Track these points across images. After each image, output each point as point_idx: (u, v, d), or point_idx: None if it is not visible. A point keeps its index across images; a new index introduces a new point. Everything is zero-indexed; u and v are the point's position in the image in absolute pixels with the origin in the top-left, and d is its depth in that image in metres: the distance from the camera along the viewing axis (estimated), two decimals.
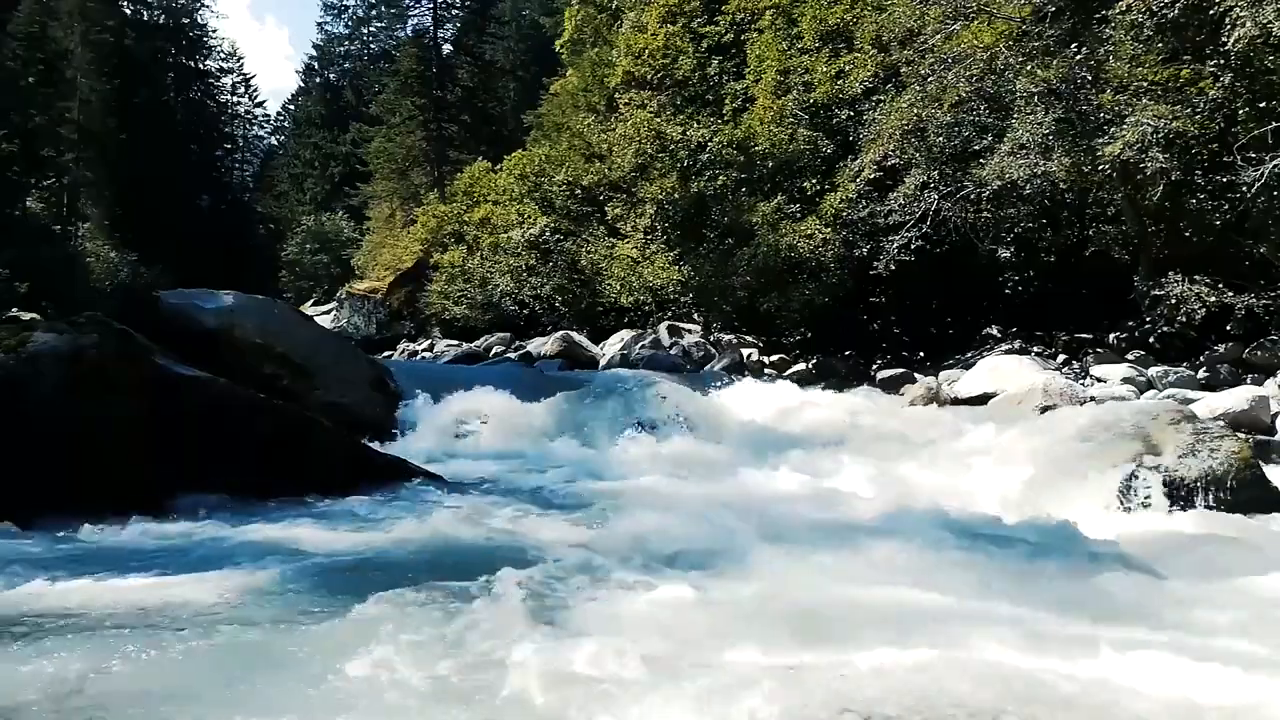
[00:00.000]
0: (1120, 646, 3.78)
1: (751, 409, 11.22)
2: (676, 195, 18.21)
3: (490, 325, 24.95)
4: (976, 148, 14.63)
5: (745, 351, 17.55)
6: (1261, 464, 6.99)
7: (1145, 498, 6.49)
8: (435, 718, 3.13)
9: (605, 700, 3.20)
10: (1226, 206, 12.40)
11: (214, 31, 78.58)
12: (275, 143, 60.11)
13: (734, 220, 17.76)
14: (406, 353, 26.46)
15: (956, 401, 12.02)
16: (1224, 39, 11.20)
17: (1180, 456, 6.63)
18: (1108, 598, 4.60)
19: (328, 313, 34.46)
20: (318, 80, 56.71)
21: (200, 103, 52.36)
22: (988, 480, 7.29)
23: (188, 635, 3.85)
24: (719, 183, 17.97)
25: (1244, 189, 11.56)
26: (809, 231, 16.86)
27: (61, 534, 5.65)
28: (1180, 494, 6.46)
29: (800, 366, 16.24)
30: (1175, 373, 11.90)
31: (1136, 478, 6.58)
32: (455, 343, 24.93)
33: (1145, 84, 12.24)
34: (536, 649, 3.63)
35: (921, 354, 15.87)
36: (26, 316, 12.62)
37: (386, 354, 24.83)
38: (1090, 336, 14.19)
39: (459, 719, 3.14)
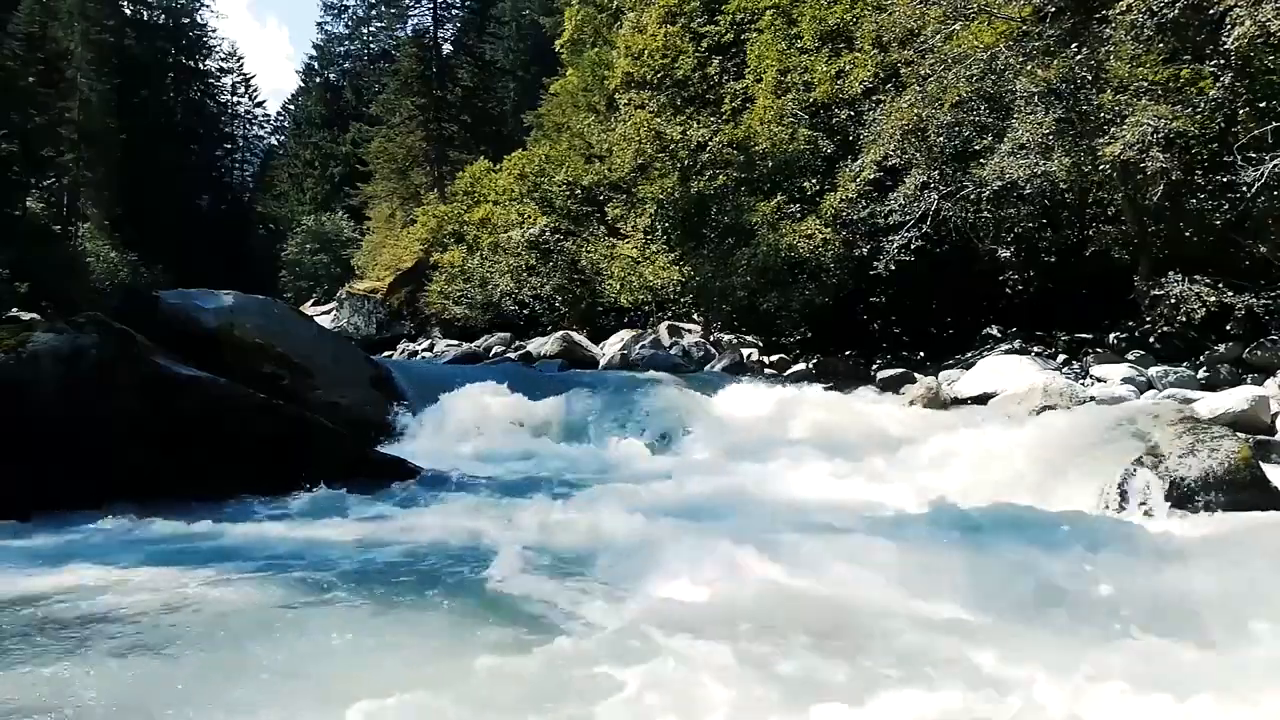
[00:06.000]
0: (1119, 647, 3.79)
1: (751, 409, 11.22)
2: (676, 195, 18.20)
3: (490, 325, 24.96)
4: (976, 148, 14.62)
5: (745, 351, 17.55)
6: (1261, 464, 6.99)
7: (1145, 498, 6.49)
8: (430, 713, 3.13)
9: (601, 700, 3.20)
10: (1226, 206, 12.39)
11: (214, 31, 78.99)
12: (275, 143, 60.15)
13: (734, 220, 17.75)
14: (406, 353, 26.47)
15: (957, 401, 12.02)
16: (1224, 39, 11.19)
17: (1180, 457, 6.62)
18: (1107, 598, 4.59)
19: (328, 313, 34.43)
20: (318, 80, 56.67)
21: (200, 103, 52.49)
22: (987, 481, 7.28)
23: (187, 633, 3.85)
24: (719, 183, 17.96)
25: (1244, 189, 11.55)
26: (809, 231, 16.85)
27: (61, 532, 5.66)
28: (1180, 494, 6.45)
29: (800, 366, 16.23)
30: (1175, 373, 11.89)
31: (1136, 478, 6.57)
32: (455, 343, 24.95)
33: (1145, 84, 12.22)
34: (532, 647, 3.63)
35: (921, 354, 15.86)
36: (26, 316, 12.64)
37: (386, 354, 24.83)
38: (1090, 336, 14.18)
39: (453, 714, 3.14)
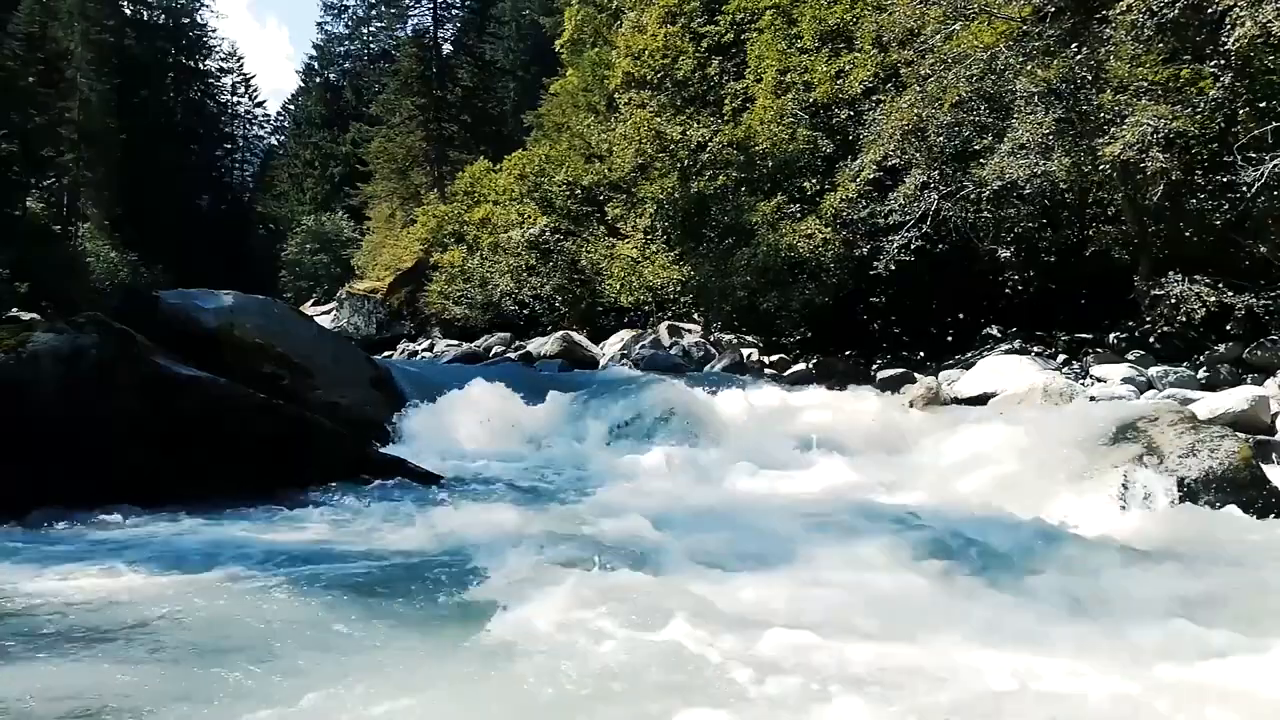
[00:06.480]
0: (1119, 647, 3.79)
1: (751, 409, 11.22)
2: (676, 195, 18.20)
3: (490, 325, 24.96)
4: (976, 148, 14.60)
5: (745, 351, 17.54)
6: (1261, 464, 6.99)
7: (1145, 498, 6.49)
8: (428, 712, 3.13)
9: (596, 700, 3.20)
10: (1226, 206, 12.38)
11: (214, 31, 79.04)
12: (275, 143, 60.14)
13: (734, 220, 17.75)
14: (406, 353, 26.48)
15: (957, 401, 12.01)
16: (1224, 39, 11.19)
17: (1180, 456, 6.63)
18: (1107, 598, 4.60)
19: (328, 313, 34.42)
20: (318, 80, 56.65)
21: (200, 103, 52.55)
22: (988, 481, 7.28)
23: (186, 633, 3.85)
24: (719, 183, 17.95)
25: (1244, 189, 11.55)
26: (809, 231, 16.84)
27: (61, 533, 5.66)
28: (1180, 494, 6.45)
29: (800, 366, 16.23)
30: (1175, 373, 11.89)
31: (1136, 478, 6.57)
32: (455, 343, 24.95)
33: (1145, 84, 12.22)
34: (531, 650, 3.63)
35: (921, 354, 15.85)
36: (26, 316, 12.64)
37: (386, 354, 24.84)
38: (1090, 336, 14.17)
39: (451, 714, 3.14)
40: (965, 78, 13.92)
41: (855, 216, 16.49)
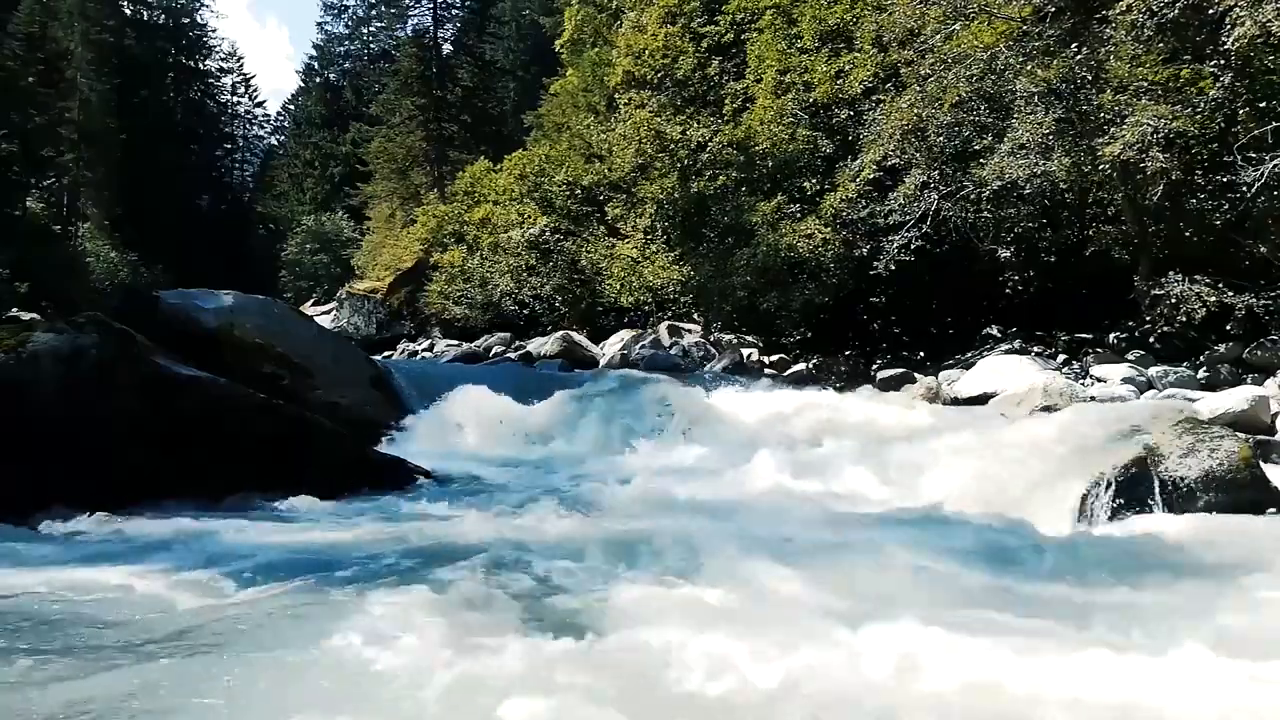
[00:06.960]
0: (1119, 648, 3.79)
1: (750, 409, 11.22)
2: (676, 195, 18.20)
3: (490, 325, 24.97)
4: (976, 148, 14.60)
5: (745, 351, 17.55)
6: (1261, 464, 6.99)
7: (1145, 498, 6.49)
8: (425, 714, 3.13)
9: (595, 700, 3.20)
10: (1226, 206, 12.38)
11: (214, 31, 79.05)
12: (275, 143, 60.12)
13: (734, 220, 17.75)
14: (406, 353, 26.49)
15: (957, 401, 12.02)
16: (1224, 39, 11.19)
17: (1180, 457, 6.62)
18: (1107, 599, 4.60)
19: (328, 313, 34.42)
20: (318, 80, 56.64)
21: (200, 103, 52.57)
22: (987, 481, 7.28)
23: (186, 633, 3.85)
24: (719, 183, 17.95)
25: (1244, 189, 11.54)
26: (809, 231, 16.84)
27: (62, 532, 5.66)
28: (1180, 494, 6.45)
29: (800, 366, 16.24)
30: (1175, 373, 11.89)
31: (1136, 478, 6.57)
32: (455, 343, 24.96)
33: (1145, 84, 12.22)
34: (528, 648, 3.63)
35: (921, 354, 15.85)
36: (26, 316, 12.64)
37: (386, 354, 24.85)
38: (1090, 336, 14.17)
39: (450, 716, 3.14)
40: (965, 78, 13.92)
41: (855, 216, 16.48)
